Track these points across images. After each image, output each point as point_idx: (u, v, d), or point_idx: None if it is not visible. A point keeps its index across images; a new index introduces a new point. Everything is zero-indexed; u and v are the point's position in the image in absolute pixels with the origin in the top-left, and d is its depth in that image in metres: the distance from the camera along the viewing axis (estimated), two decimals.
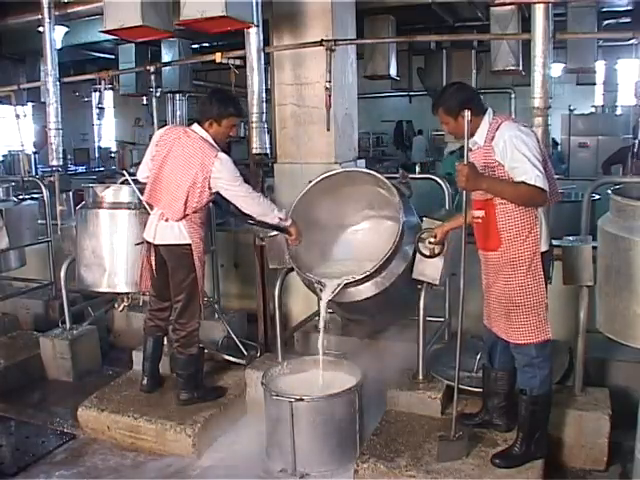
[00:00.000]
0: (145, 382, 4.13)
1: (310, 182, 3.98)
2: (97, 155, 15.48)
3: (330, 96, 4.40)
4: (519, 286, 3.02)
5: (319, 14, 4.73)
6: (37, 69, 9.20)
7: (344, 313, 4.28)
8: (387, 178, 3.79)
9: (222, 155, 3.66)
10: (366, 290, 3.62)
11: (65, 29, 6.90)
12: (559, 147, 10.87)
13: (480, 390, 3.58)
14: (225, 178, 3.65)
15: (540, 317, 3.04)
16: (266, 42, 4.46)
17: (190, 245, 3.74)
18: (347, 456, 3.47)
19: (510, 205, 2.96)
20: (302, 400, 3.42)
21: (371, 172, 3.92)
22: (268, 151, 4.43)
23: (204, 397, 3.99)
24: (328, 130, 4.58)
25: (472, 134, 3.04)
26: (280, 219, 3.77)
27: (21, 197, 5.77)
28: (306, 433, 3.44)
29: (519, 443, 3.15)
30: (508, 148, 2.89)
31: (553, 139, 9.19)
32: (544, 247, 3.04)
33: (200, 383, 4.04)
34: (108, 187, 4.61)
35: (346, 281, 3.55)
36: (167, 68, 9.12)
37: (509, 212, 2.98)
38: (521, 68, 7.40)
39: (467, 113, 2.91)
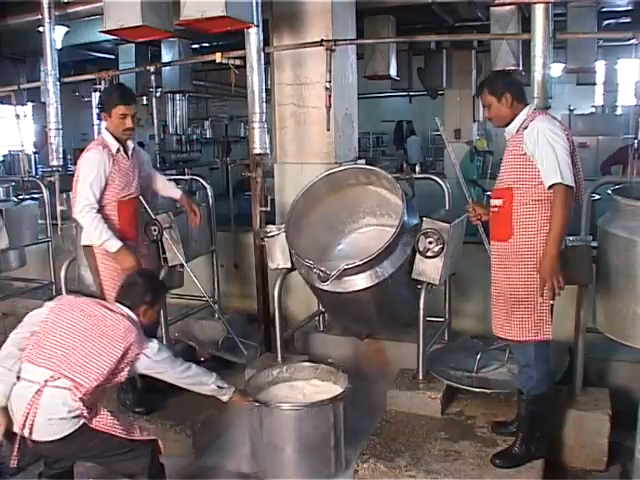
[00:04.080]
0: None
1: (314, 179, 3.98)
2: None
3: (330, 96, 4.39)
4: (525, 280, 2.99)
5: (319, 14, 4.74)
6: (37, 69, 9.18)
7: (343, 319, 4.26)
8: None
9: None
10: (364, 280, 3.55)
11: (65, 29, 6.89)
12: None
13: (479, 390, 3.59)
14: None
15: (542, 316, 3.00)
16: (266, 42, 4.46)
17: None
18: (318, 470, 3.35)
19: (528, 197, 2.95)
20: (277, 407, 3.35)
21: (374, 168, 3.93)
22: (268, 151, 4.43)
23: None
24: (328, 130, 4.58)
25: (509, 123, 3.08)
26: None
27: (21, 197, 5.77)
28: (281, 442, 3.35)
29: (519, 443, 3.14)
30: (540, 139, 2.88)
31: None
32: None
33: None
34: None
35: (346, 266, 3.48)
36: (167, 68, 9.11)
37: (526, 203, 2.96)
38: (521, 68, 7.39)
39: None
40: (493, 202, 3.13)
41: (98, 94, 5.51)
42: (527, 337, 3.04)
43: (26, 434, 2.66)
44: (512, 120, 3.07)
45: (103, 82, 5.42)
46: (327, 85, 4.37)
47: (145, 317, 3.06)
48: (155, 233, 4.32)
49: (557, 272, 2.85)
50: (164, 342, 4.67)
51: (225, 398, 3.17)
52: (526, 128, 2.96)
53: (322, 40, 4.41)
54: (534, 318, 3.01)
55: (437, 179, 4.38)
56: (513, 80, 3.20)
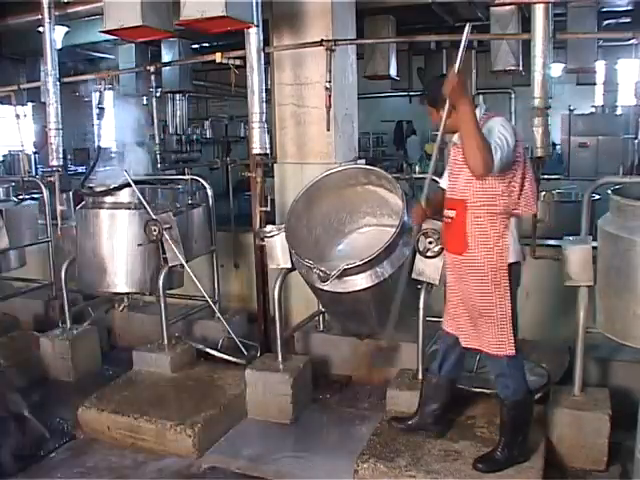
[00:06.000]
0: None
1: (314, 179, 3.98)
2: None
3: (330, 96, 4.40)
4: (483, 295, 2.97)
5: (319, 14, 4.74)
6: (37, 69, 9.17)
7: (343, 320, 4.26)
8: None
9: None
10: (364, 280, 3.56)
11: (65, 29, 6.89)
12: (558, 147, 10.89)
13: (479, 390, 3.59)
14: None
15: (504, 331, 2.97)
16: (266, 42, 4.46)
17: None
18: None
19: (481, 210, 2.92)
20: None
21: (374, 169, 3.94)
22: (268, 151, 4.43)
23: None
24: (328, 130, 4.58)
25: (458, 130, 2.90)
26: None
27: (21, 197, 5.77)
28: None
29: (501, 447, 3.13)
30: (495, 130, 2.82)
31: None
32: (513, 258, 2.96)
33: None
34: (108, 187, 4.61)
35: (346, 266, 3.49)
36: (167, 68, 9.12)
37: (480, 217, 2.93)
38: (521, 68, 7.40)
39: (467, 27, 2.83)
40: (446, 212, 3.09)
41: (98, 94, 5.52)
42: (495, 351, 3.02)
43: None
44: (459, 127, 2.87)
45: (103, 82, 5.43)
46: (327, 85, 4.37)
47: None
48: (155, 233, 4.33)
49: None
50: (164, 342, 4.67)
51: None
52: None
53: (322, 40, 4.41)
54: (496, 332, 2.99)
55: (437, 179, 4.37)
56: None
